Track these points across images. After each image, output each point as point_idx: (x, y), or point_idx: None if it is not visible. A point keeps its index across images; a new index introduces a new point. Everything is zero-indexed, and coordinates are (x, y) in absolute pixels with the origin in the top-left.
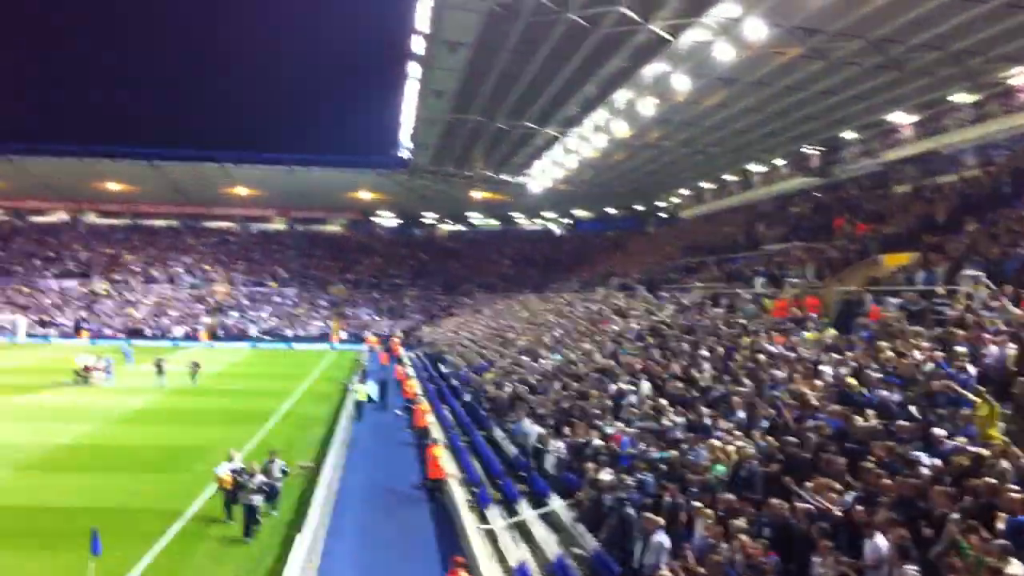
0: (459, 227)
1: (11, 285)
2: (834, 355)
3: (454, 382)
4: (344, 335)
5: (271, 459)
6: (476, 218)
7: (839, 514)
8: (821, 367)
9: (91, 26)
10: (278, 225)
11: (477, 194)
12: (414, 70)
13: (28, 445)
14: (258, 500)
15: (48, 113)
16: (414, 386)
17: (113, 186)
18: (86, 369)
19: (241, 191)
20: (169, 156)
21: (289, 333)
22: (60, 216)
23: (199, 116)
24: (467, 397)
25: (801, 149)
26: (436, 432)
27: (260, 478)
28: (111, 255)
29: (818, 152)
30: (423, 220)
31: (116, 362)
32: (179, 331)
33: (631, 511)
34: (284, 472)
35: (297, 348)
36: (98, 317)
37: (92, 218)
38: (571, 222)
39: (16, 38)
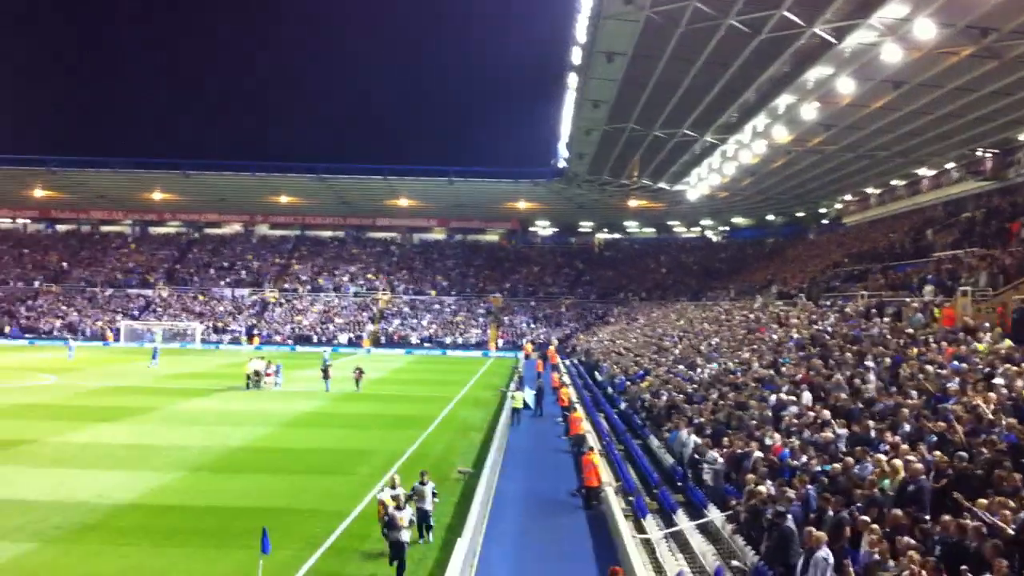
0: (615, 235)
1: (188, 293)
2: (1010, 367)
3: (609, 390)
4: (501, 343)
5: (423, 481)
6: (632, 226)
7: (1013, 532)
8: (995, 379)
9: (269, 52)
10: (438, 235)
11: (633, 202)
12: (572, 81)
13: (201, 447)
14: (407, 536)
15: (225, 134)
16: (569, 394)
17: (284, 199)
18: (257, 374)
19: (403, 202)
20: (336, 170)
21: (448, 341)
22: (234, 228)
23: (364, 131)
24: (622, 405)
25: (973, 151)
26: (592, 440)
27: (409, 513)
28: (281, 264)
29: (992, 154)
30: (580, 229)
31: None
32: (344, 338)
33: (792, 525)
34: (435, 495)
35: (452, 355)
36: (268, 324)
37: (264, 229)
38: (728, 229)
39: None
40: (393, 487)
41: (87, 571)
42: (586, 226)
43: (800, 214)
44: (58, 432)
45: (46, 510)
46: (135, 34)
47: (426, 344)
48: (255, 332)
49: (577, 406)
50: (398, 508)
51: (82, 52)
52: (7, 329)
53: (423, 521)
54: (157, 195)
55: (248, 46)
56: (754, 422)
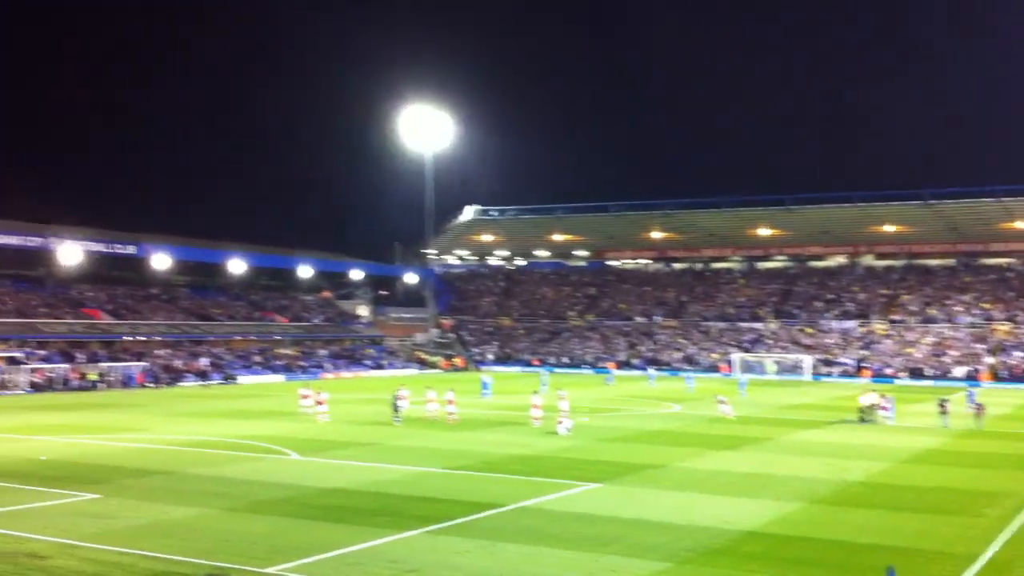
0: None
1: (795, 326)
2: None
3: None
4: None
5: None
6: None
7: None
8: None
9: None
10: None
11: None
12: None
13: (818, 479)
14: None
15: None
16: None
17: (888, 228)
18: (870, 407)
19: (1020, 225)
20: (944, 195)
21: None
22: (838, 260)
23: (971, 153)
24: None
25: None
26: None
27: None
28: (888, 295)
29: None
30: None
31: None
32: (959, 371)
33: None
34: None
35: None
36: (877, 356)
37: (868, 260)
38: None
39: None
40: None
41: None
42: None
43: None
44: (683, 458)
45: (677, 532)
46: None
47: None
48: (864, 364)
49: None
50: None
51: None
52: (634, 361)
53: None
54: (762, 231)
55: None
56: None
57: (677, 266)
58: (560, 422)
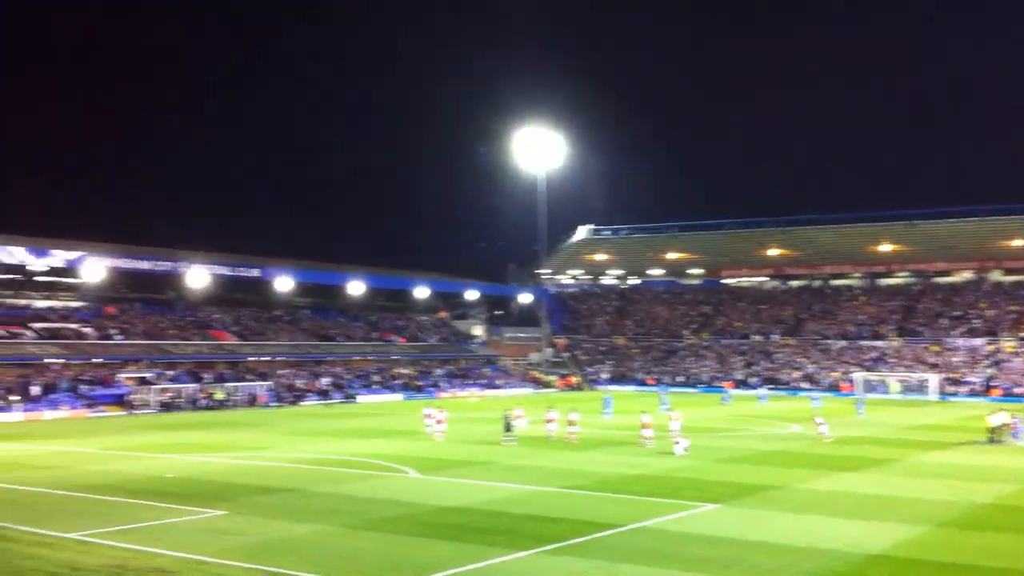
0: None
1: (920, 344)
2: None
3: None
4: None
5: None
6: None
7: None
8: None
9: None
10: None
11: None
12: None
13: (946, 502)
14: None
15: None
16: None
17: (1017, 242)
18: (1000, 427)
19: None
20: None
21: None
22: (964, 275)
23: None
24: None
25: None
26: None
27: None
28: (1017, 312)
29: None
30: None
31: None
32: None
33: None
34: None
35: None
36: (1006, 375)
37: (996, 276)
38: None
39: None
40: None
41: None
42: None
43: None
44: (803, 479)
45: (799, 554)
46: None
47: None
48: (993, 384)
49: None
50: None
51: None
52: (751, 380)
53: None
54: (884, 247)
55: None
56: None
57: (794, 283)
58: (676, 442)
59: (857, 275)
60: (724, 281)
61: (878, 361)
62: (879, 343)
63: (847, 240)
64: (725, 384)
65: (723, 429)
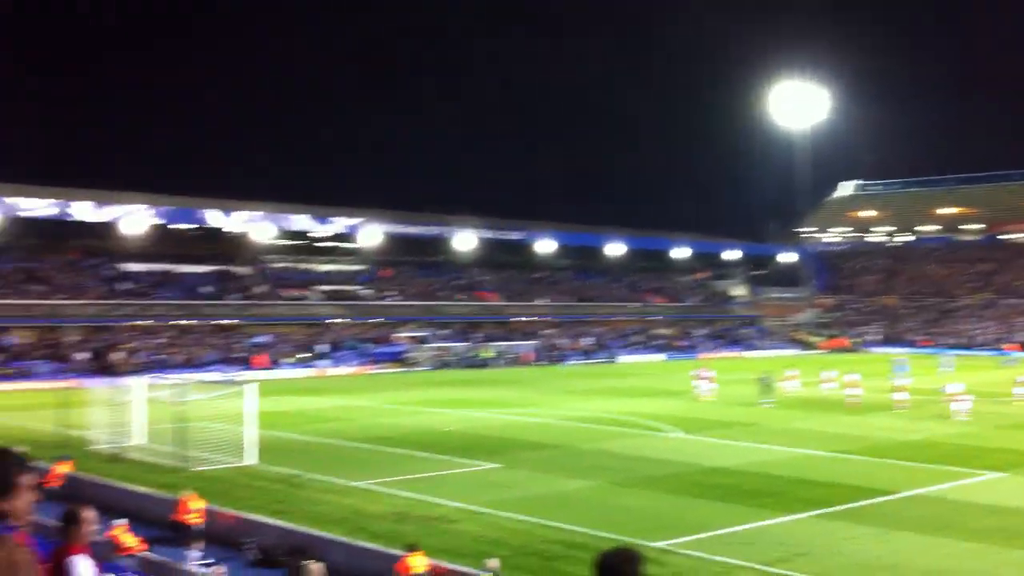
0: None
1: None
2: None
3: None
4: None
5: None
6: None
7: None
8: None
9: None
10: None
11: None
12: None
13: None
14: None
15: None
16: None
17: None
18: None
19: None
20: None
21: None
22: None
23: None
24: None
25: None
26: None
27: None
28: None
29: None
30: None
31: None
32: None
33: None
34: None
35: None
36: None
37: None
38: None
39: None
40: None
41: None
42: None
43: None
44: None
45: None
46: None
47: None
48: None
49: None
50: None
51: None
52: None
53: None
54: None
55: None
56: None
57: None
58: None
59: None
60: (1005, 237)
61: None
62: None
63: None
64: (1007, 347)
65: (1004, 394)
